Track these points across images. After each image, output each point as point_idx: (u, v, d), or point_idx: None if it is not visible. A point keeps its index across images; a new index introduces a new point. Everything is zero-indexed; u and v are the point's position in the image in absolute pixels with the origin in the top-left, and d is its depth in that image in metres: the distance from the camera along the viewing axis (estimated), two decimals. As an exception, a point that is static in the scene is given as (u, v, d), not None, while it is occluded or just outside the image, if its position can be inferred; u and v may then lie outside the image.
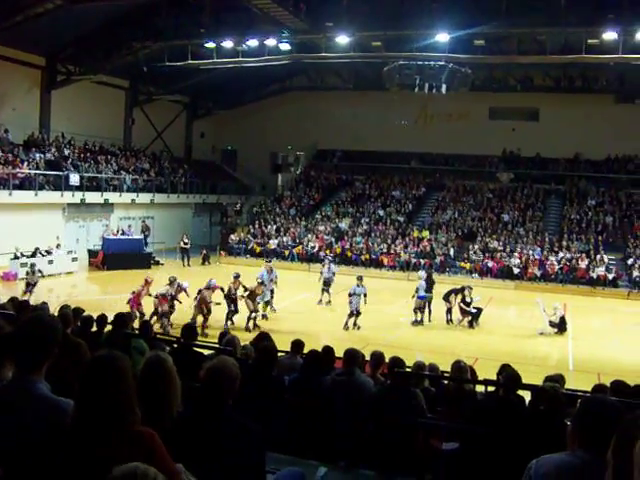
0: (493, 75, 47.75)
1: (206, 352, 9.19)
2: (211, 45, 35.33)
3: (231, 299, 22.83)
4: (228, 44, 34.89)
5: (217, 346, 9.69)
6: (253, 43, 34.89)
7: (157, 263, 38.35)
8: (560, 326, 23.81)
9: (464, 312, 24.59)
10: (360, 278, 23.94)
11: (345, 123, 50.84)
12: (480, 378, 9.63)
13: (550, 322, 23.81)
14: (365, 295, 23.27)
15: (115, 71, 42.32)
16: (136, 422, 3.25)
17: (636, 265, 36.92)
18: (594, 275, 36.16)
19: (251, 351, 9.32)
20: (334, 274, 28.43)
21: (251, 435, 3.98)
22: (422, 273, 28.01)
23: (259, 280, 23.79)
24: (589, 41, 30.54)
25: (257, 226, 44.91)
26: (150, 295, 22.23)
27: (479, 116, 49.82)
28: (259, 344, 9.27)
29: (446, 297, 25.02)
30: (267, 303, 24.67)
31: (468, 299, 24.45)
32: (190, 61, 36.18)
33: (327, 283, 27.81)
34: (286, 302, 27.96)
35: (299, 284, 32.02)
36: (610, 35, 29.56)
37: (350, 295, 23.29)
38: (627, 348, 22.29)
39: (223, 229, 47.47)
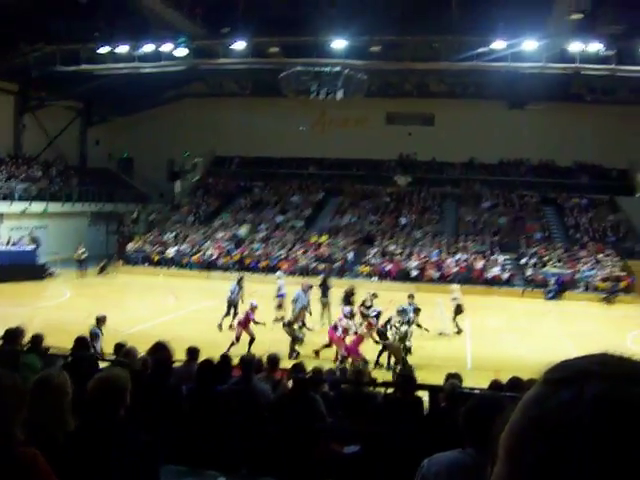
0: (389, 81, 48.44)
1: (103, 364, 9.01)
2: (106, 49, 34.57)
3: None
4: (123, 49, 34.24)
5: (114, 358, 9.49)
6: (149, 48, 34.32)
7: (51, 274, 37.23)
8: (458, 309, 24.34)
9: (364, 316, 24.71)
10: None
11: (243, 129, 50.67)
12: (380, 380, 9.71)
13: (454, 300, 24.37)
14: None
15: (2, 74, 40.64)
16: (17, 443, 3.10)
17: (529, 264, 38.09)
18: (490, 275, 37.08)
19: (148, 361, 9.16)
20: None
21: (144, 447, 3.87)
22: (280, 273, 28.71)
23: (301, 304, 22.89)
24: (480, 49, 31.35)
25: (155, 234, 44.28)
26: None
27: (376, 121, 50.48)
28: (155, 354, 9.12)
29: (346, 300, 25.14)
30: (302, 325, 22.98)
31: (368, 303, 24.60)
32: (84, 66, 35.31)
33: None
34: (185, 310, 27.69)
35: (199, 292, 31.74)
36: (500, 44, 30.42)
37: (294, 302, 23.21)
38: (523, 345, 22.86)
39: (120, 238, 46.55)
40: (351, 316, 20.85)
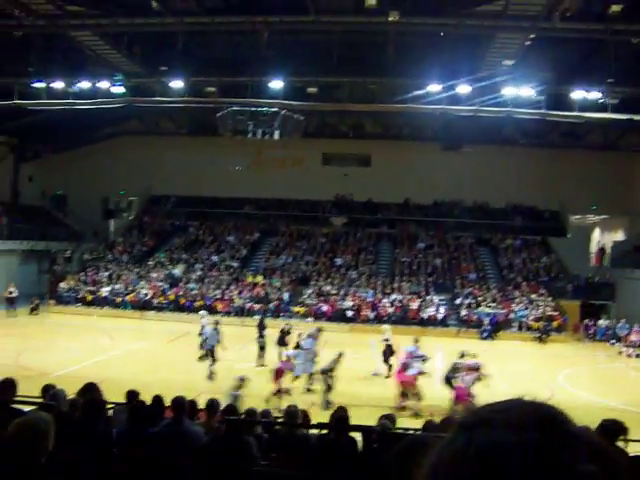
0: (326, 122, 48.91)
1: (28, 408, 8.70)
2: (41, 85, 34.02)
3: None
4: (59, 85, 33.70)
5: (40, 401, 9.19)
6: (85, 85, 33.89)
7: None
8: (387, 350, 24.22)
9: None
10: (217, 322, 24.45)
11: (179, 168, 50.45)
12: (315, 422, 9.62)
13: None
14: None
15: None
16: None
17: (464, 304, 38.51)
18: (425, 315, 37.35)
19: (77, 403, 8.90)
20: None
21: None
22: (203, 312, 28.52)
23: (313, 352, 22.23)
24: (415, 92, 31.84)
25: (88, 273, 43.56)
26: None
27: (312, 162, 50.76)
28: (85, 396, 8.88)
29: (280, 341, 25.05)
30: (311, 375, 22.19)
31: (302, 342, 24.52)
32: (17, 101, 34.65)
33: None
34: (118, 351, 27.23)
35: (133, 333, 31.25)
36: (435, 87, 30.95)
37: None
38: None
39: (52, 277, 45.63)
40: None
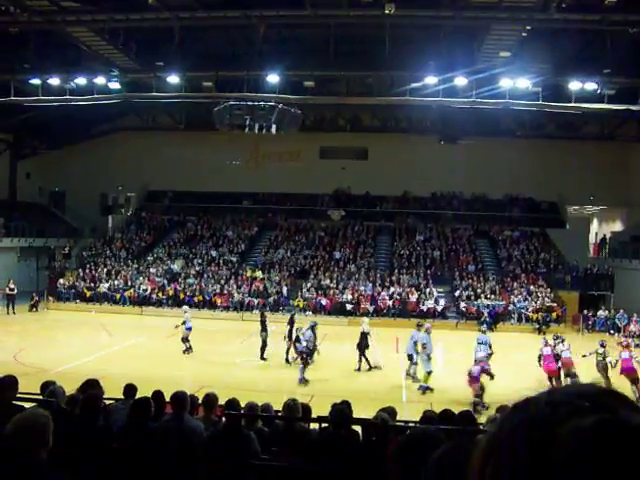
0: (323, 115, 48.87)
1: (27, 405, 8.69)
2: (37, 81, 33.92)
3: None
4: (55, 81, 33.59)
5: (39, 398, 9.19)
6: (82, 81, 33.81)
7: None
8: (361, 343, 24.23)
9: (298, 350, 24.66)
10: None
11: (177, 163, 50.43)
12: (316, 415, 9.62)
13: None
14: None
15: None
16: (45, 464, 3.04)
17: (463, 296, 38.54)
18: (424, 308, 37.38)
19: (77, 400, 8.90)
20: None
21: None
22: (186, 307, 28.92)
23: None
24: (412, 84, 31.82)
25: (87, 270, 43.53)
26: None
27: (310, 155, 50.71)
28: (85, 392, 8.88)
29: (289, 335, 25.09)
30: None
31: (301, 336, 24.56)
32: (13, 97, 34.56)
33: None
34: (118, 347, 27.27)
35: (132, 328, 31.30)
36: (431, 80, 30.93)
37: None
38: (458, 376, 22.92)
39: (51, 274, 45.58)
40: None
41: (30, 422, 3.75)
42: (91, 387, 9.60)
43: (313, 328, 23.54)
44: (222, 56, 33.93)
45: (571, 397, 1.01)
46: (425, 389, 21.28)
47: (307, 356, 23.86)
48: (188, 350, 26.20)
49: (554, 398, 1.02)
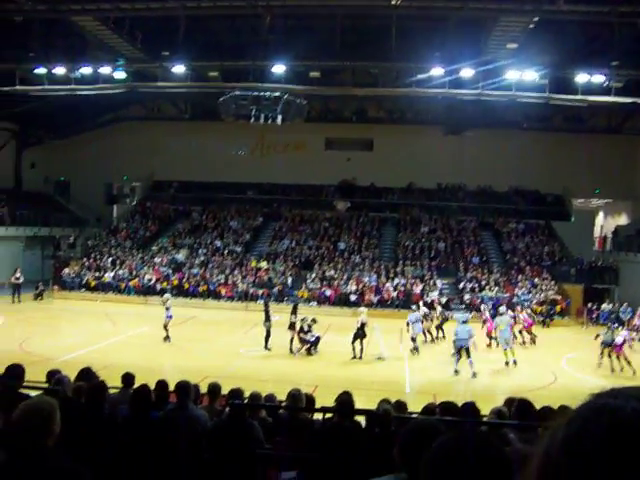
0: (329, 106, 48.79)
1: (33, 393, 8.70)
2: (42, 71, 33.87)
3: None
4: (60, 70, 33.54)
5: (45, 386, 9.20)
6: (87, 70, 33.75)
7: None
8: (358, 333, 24.27)
9: (302, 340, 24.71)
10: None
11: (182, 154, 50.44)
12: (320, 405, 9.62)
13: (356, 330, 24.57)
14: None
15: None
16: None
17: (467, 288, 38.49)
18: (428, 299, 37.30)
19: (82, 389, 8.91)
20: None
21: (75, 477, 3.71)
22: (167, 295, 29.49)
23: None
24: (418, 76, 31.75)
25: (92, 259, 43.59)
26: None
27: (315, 146, 50.70)
28: (82, 381, 8.89)
29: (291, 326, 25.10)
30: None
31: (305, 327, 24.62)
32: (18, 87, 34.53)
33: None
34: (122, 336, 27.34)
35: (137, 317, 31.39)
36: (437, 71, 30.85)
37: None
38: (462, 368, 22.96)
39: (56, 263, 45.66)
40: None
41: (37, 409, 3.74)
42: (87, 375, 9.63)
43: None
44: (228, 46, 33.85)
45: None
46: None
47: (312, 346, 24.12)
48: (167, 339, 26.44)
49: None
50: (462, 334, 22.20)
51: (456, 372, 22.10)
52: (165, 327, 26.43)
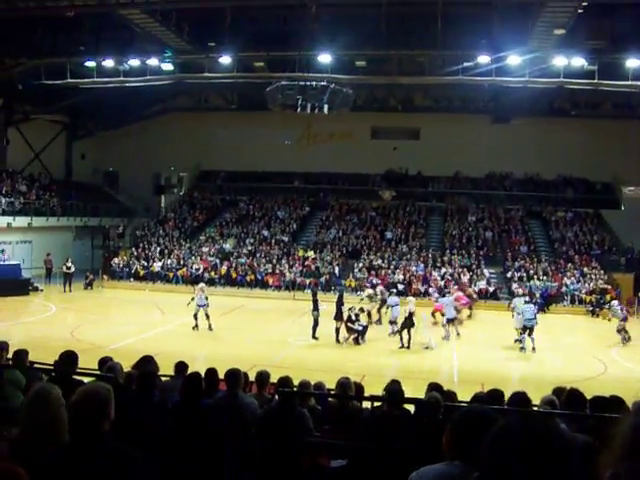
0: (375, 95, 48.64)
1: (86, 379, 8.88)
2: (91, 64, 34.36)
3: None
4: (109, 63, 34.03)
5: (98, 373, 9.38)
6: (135, 62, 34.16)
7: (35, 289, 36.93)
8: (406, 322, 24.23)
9: (350, 330, 24.76)
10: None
11: (229, 144, 50.67)
12: (368, 394, 9.67)
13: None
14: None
15: (-14, 88, 40.26)
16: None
17: (515, 278, 38.20)
18: (476, 288, 37.12)
19: (133, 376, 9.06)
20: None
21: (132, 462, 3.80)
22: (202, 284, 29.74)
23: None
24: (465, 64, 31.52)
25: (140, 249, 44.10)
26: None
27: (361, 135, 50.59)
28: (141, 369, 9.05)
29: (337, 316, 25.14)
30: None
31: (353, 317, 24.67)
32: (69, 79, 35.01)
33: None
34: (171, 325, 27.69)
35: (185, 307, 31.62)
36: (484, 59, 30.60)
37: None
38: (510, 357, 22.90)
39: (105, 252, 46.29)
40: None
41: (94, 393, 3.85)
42: (146, 363, 9.79)
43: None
44: (274, 36, 33.92)
45: None
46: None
47: (359, 335, 24.21)
48: (195, 327, 26.66)
49: None
50: (529, 314, 23.97)
51: (522, 349, 23.99)
52: (195, 316, 26.59)
